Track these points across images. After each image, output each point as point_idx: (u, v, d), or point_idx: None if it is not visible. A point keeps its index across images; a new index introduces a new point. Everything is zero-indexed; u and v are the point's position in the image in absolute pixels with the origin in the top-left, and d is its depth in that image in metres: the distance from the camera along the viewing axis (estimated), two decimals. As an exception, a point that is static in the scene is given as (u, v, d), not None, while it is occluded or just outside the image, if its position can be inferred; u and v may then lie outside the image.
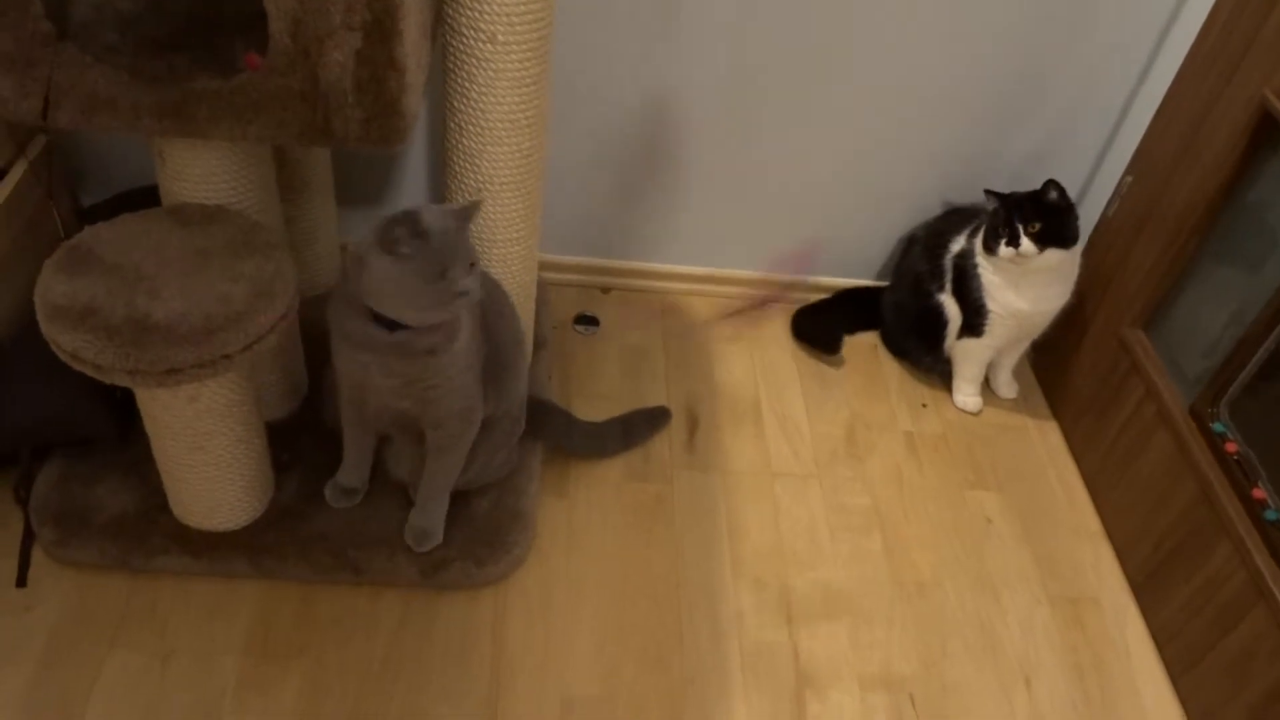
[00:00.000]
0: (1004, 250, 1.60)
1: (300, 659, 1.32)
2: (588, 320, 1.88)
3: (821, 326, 1.91)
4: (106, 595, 1.35)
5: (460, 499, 1.45)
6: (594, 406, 1.67)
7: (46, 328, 1.08)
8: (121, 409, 1.40)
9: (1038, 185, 1.61)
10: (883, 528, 1.61)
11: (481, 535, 1.42)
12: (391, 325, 1.14)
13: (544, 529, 1.51)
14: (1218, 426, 1.44)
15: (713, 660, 1.39)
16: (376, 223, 1.09)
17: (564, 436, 1.60)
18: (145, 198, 1.33)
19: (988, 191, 1.67)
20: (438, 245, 1.08)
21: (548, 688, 1.33)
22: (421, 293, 1.10)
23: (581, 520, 1.54)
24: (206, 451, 1.26)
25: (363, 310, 1.14)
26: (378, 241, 1.07)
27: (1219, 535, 1.39)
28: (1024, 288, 1.66)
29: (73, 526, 1.34)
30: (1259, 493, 1.35)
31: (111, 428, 1.42)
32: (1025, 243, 1.58)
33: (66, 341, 1.07)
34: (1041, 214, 1.59)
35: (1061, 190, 1.60)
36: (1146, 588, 1.55)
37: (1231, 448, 1.40)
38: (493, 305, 1.31)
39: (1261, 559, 1.31)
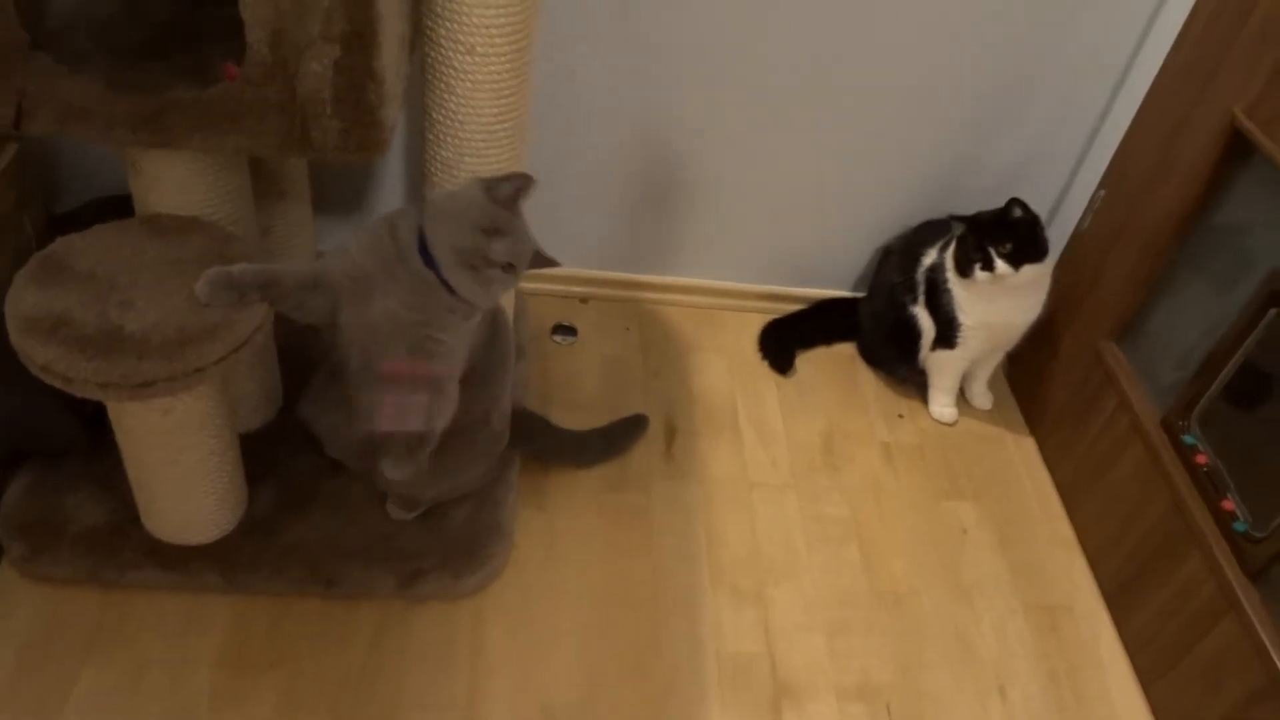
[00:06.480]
0: (979, 274, 1.61)
1: (275, 672, 1.30)
2: (566, 330, 1.88)
3: (780, 344, 1.91)
4: (77, 609, 1.33)
5: (437, 510, 1.44)
6: (572, 416, 1.67)
7: (17, 340, 1.07)
8: (93, 418, 1.38)
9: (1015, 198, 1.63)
10: (860, 538, 1.62)
11: (458, 547, 1.41)
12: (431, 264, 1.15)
13: (522, 539, 1.50)
14: (1188, 438, 1.45)
15: (691, 670, 1.39)
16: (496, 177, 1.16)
17: (542, 445, 1.59)
18: (117, 206, 1.32)
19: (953, 216, 1.67)
20: (515, 215, 1.15)
21: (526, 697, 1.33)
22: (462, 233, 1.13)
23: (559, 530, 1.53)
24: (179, 465, 1.25)
25: (415, 241, 1.15)
26: (485, 182, 1.15)
27: (1189, 546, 1.40)
28: (997, 302, 1.67)
29: (42, 541, 1.32)
30: (1228, 504, 1.36)
31: (82, 437, 1.40)
32: (1000, 265, 1.59)
33: (38, 354, 1.05)
34: (1011, 233, 1.59)
35: (1025, 206, 1.61)
36: (1119, 596, 1.56)
37: (1202, 459, 1.42)
38: (494, 326, 1.32)
39: (1230, 570, 1.33)
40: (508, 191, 1.14)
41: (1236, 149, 1.41)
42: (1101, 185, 1.70)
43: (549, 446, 1.61)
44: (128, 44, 1.12)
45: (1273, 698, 1.24)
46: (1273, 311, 1.33)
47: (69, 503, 1.36)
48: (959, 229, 1.66)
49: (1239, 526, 1.34)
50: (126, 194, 1.26)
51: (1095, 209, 1.71)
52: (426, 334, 1.17)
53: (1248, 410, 1.39)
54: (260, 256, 1.20)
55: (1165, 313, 1.57)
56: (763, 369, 1.88)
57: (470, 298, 1.16)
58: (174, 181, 1.19)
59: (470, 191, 1.16)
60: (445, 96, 1.25)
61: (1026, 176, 1.80)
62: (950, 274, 1.69)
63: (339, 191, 1.80)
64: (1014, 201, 1.60)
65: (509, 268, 1.14)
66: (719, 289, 1.97)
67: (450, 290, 1.15)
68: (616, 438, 1.66)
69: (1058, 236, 1.79)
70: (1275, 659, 1.24)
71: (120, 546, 1.33)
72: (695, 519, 1.59)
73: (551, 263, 1.20)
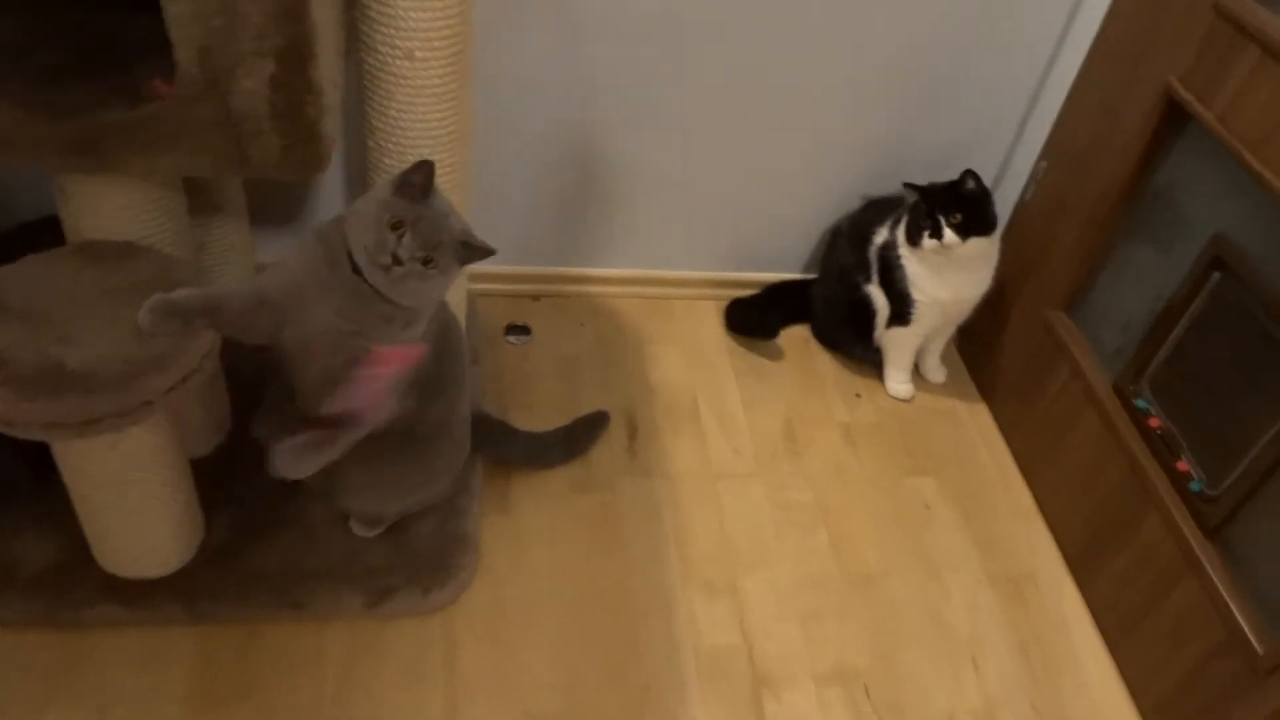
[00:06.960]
0: (928, 242, 1.63)
1: (246, 703, 1.27)
2: (519, 329, 1.85)
3: (756, 314, 1.91)
4: (35, 652, 1.28)
5: (401, 525, 1.42)
6: (531, 416, 1.65)
7: (-50, 383, 1.02)
8: (35, 454, 1.32)
9: (956, 173, 1.64)
10: (827, 522, 1.62)
11: (425, 561, 1.39)
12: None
13: (490, 547, 1.49)
14: (1140, 403, 1.48)
15: (669, 667, 1.39)
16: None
17: (504, 449, 1.57)
18: (46, 229, 1.26)
19: (906, 184, 1.69)
20: (424, 206, 1.07)
21: (506, 708, 1.31)
22: (369, 231, 1.07)
23: (527, 535, 1.52)
24: (130, 498, 1.20)
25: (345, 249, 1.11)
26: (394, 179, 1.08)
27: (1147, 508, 1.44)
28: (947, 276, 1.69)
29: (-9, 585, 1.27)
30: (1183, 465, 1.40)
31: (24, 473, 1.34)
32: (948, 234, 1.61)
33: (-26, 397, 1.01)
34: (961, 204, 1.61)
35: (978, 179, 1.63)
36: (1081, 562, 1.60)
37: (1155, 423, 1.45)
38: (444, 332, 1.28)
39: (1188, 529, 1.36)
40: (413, 181, 1.07)
41: (1173, 118, 1.44)
42: (1042, 157, 1.72)
43: (511, 450, 1.58)
44: (49, 64, 1.06)
45: (1233, 652, 1.27)
46: (1216, 275, 1.36)
47: (16, 545, 1.30)
48: (912, 197, 1.67)
49: (1194, 486, 1.37)
50: (52, 216, 1.21)
51: (1038, 180, 1.73)
52: (362, 345, 1.13)
53: (1197, 372, 1.42)
54: (202, 280, 1.16)
55: (1112, 280, 1.60)
56: (720, 357, 1.88)
57: (399, 299, 1.11)
58: (107, 205, 1.14)
59: (379, 190, 1.11)
60: (385, 103, 1.22)
61: (968, 151, 1.82)
62: (903, 248, 1.70)
63: (277, 202, 1.74)
64: (968, 173, 1.62)
65: (428, 262, 1.08)
66: (669, 279, 1.96)
67: (385, 298, 1.11)
68: (578, 436, 1.64)
69: (1002, 209, 1.81)
70: (1235, 614, 1.27)
71: (74, 585, 1.28)
72: (663, 514, 1.59)
73: (486, 251, 1.12)
